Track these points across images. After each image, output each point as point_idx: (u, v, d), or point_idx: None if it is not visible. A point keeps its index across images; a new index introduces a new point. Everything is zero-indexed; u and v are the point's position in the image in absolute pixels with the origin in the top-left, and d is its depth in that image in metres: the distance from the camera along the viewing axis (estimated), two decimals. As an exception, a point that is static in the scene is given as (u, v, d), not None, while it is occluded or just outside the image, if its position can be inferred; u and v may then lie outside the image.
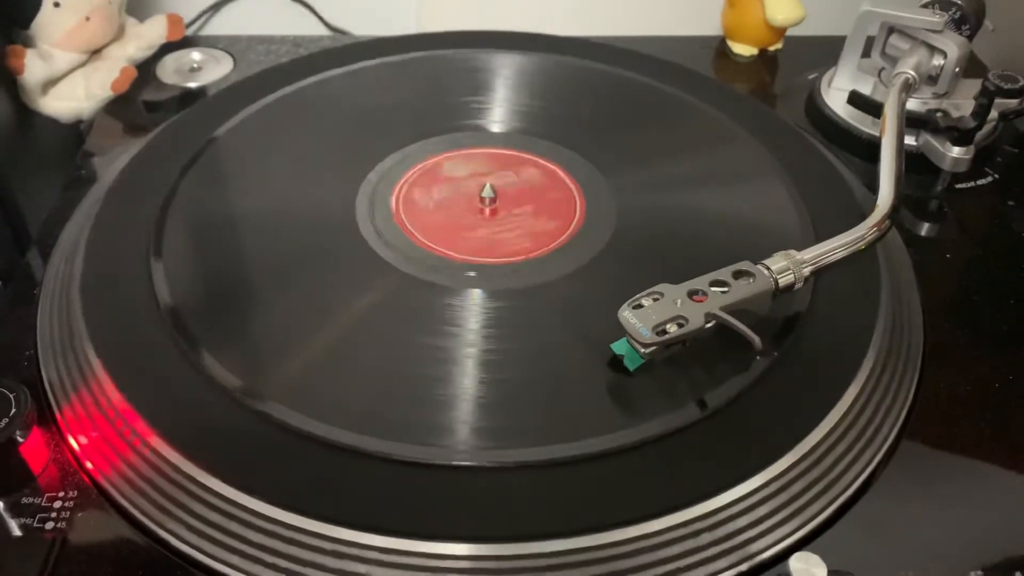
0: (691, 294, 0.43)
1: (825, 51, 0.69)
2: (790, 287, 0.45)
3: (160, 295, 0.47)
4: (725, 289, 0.43)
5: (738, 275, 0.44)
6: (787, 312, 0.47)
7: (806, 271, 0.45)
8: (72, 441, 0.43)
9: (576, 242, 0.52)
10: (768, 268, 0.45)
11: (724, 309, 0.42)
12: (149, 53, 0.70)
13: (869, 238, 0.47)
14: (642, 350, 0.42)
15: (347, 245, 0.52)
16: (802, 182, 0.56)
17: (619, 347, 0.43)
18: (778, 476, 0.40)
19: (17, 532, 0.39)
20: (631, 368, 0.43)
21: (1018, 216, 0.58)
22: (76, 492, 0.41)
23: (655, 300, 0.43)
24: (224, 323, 0.47)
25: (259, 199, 0.55)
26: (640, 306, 0.42)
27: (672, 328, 0.42)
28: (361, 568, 0.37)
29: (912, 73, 0.59)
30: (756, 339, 0.42)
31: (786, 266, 0.45)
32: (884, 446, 0.43)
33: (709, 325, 0.42)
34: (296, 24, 0.84)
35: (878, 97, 0.61)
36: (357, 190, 0.55)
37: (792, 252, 0.46)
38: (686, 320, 0.42)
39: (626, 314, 0.42)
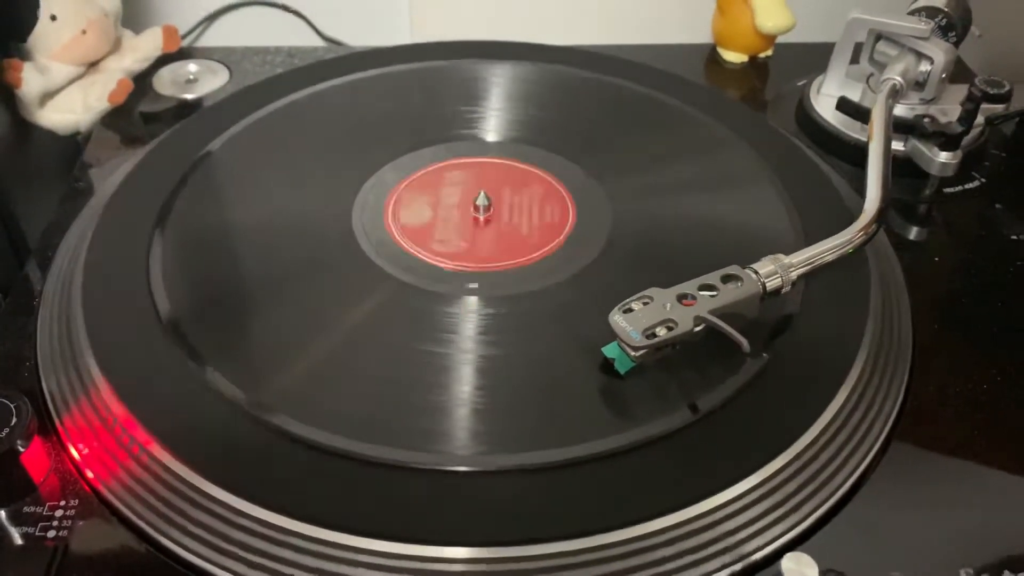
0: (680, 298, 0.44)
1: (814, 58, 0.69)
2: (778, 291, 0.45)
3: (159, 304, 0.47)
4: (714, 293, 0.44)
5: (727, 279, 0.45)
6: (778, 315, 0.47)
7: (794, 275, 0.46)
8: (73, 450, 0.43)
9: (570, 249, 0.53)
10: (756, 272, 0.45)
11: (713, 313, 0.43)
12: (145, 65, 0.71)
13: (857, 241, 0.48)
14: (632, 353, 0.42)
15: (343, 255, 0.52)
16: (792, 187, 0.56)
17: (610, 351, 0.44)
18: (770, 477, 0.40)
19: (19, 541, 0.40)
20: (622, 371, 0.44)
21: (1005, 219, 0.59)
22: (77, 501, 0.41)
23: (645, 304, 0.43)
24: (223, 332, 0.47)
25: (256, 209, 0.55)
26: (630, 310, 0.43)
27: (661, 331, 0.42)
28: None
29: (899, 79, 0.59)
30: (744, 342, 0.42)
31: (774, 270, 0.45)
32: (875, 447, 0.44)
33: (698, 328, 0.43)
34: (291, 35, 0.85)
35: (867, 103, 0.62)
36: (353, 200, 0.56)
37: (780, 256, 0.46)
38: (675, 324, 0.43)
39: (616, 318, 0.43)
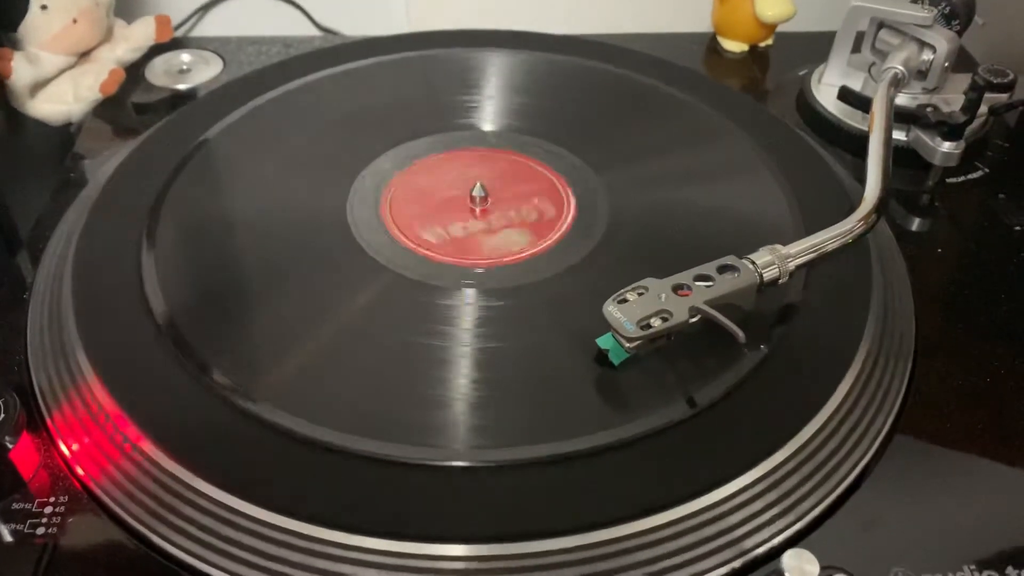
0: (676, 288, 0.43)
1: (815, 47, 0.69)
2: (775, 281, 0.45)
3: (151, 298, 0.47)
4: (710, 284, 0.43)
5: (723, 269, 0.44)
6: (779, 306, 0.47)
7: (791, 265, 0.45)
8: (63, 446, 0.43)
9: (568, 240, 0.52)
10: (753, 262, 0.44)
11: (709, 303, 0.42)
12: (138, 55, 0.70)
13: (856, 232, 0.47)
14: (627, 344, 0.42)
15: (338, 245, 0.51)
16: (793, 177, 0.56)
17: (604, 341, 0.43)
18: (771, 472, 0.40)
19: (8, 538, 0.39)
20: (616, 362, 0.43)
21: (1009, 209, 0.58)
22: (67, 497, 0.41)
23: (640, 295, 0.43)
24: (215, 326, 0.46)
25: (250, 201, 0.55)
26: (625, 300, 0.42)
27: (656, 322, 0.42)
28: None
29: (901, 68, 0.59)
30: (739, 333, 0.42)
31: (771, 260, 0.45)
32: (877, 441, 0.43)
33: (693, 319, 0.42)
34: (286, 24, 0.84)
35: (868, 92, 0.61)
36: (349, 190, 0.55)
37: (777, 247, 0.45)
38: (670, 314, 0.42)
39: (610, 308, 0.42)
